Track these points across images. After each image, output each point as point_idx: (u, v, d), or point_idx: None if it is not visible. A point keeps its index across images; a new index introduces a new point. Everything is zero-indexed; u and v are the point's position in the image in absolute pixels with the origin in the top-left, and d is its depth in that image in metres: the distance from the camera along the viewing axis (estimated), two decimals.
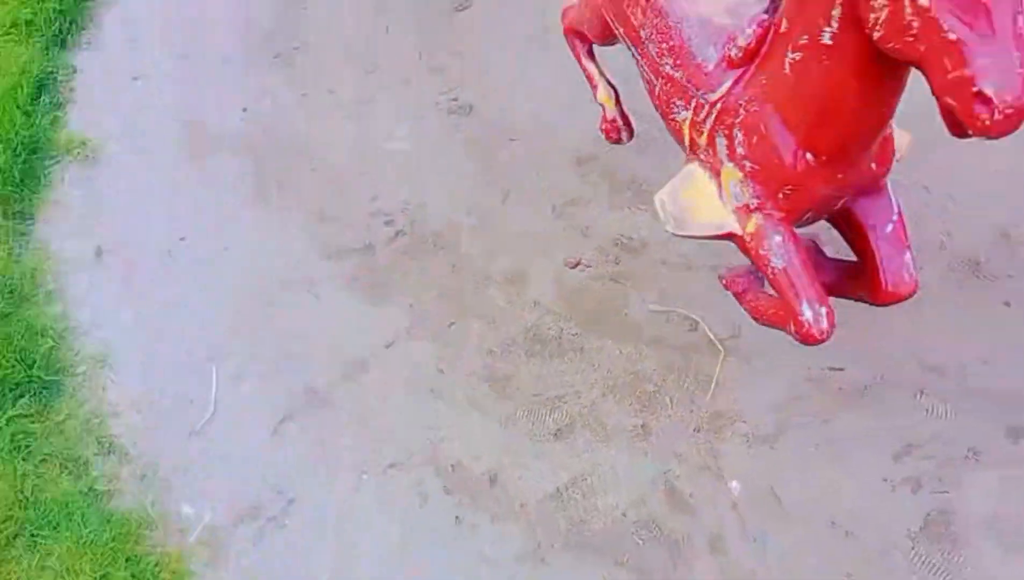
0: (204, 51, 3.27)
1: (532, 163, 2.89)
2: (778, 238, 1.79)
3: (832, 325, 1.80)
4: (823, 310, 1.79)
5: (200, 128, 3.08)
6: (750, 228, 1.80)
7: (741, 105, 1.77)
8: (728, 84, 1.81)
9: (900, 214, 1.90)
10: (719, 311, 2.53)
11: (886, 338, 2.43)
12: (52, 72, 3.17)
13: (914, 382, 2.37)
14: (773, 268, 1.80)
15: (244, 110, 3.09)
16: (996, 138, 1.35)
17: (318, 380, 2.58)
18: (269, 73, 3.19)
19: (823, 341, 1.81)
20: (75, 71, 3.24)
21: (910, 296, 1.88)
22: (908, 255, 1.87)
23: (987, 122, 1.33)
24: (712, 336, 2.51)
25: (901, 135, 1.90)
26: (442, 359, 2.56)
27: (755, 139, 1.75)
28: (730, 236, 1.87)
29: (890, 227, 1.87)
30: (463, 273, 2.73)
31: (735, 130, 1.78)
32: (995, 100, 1.30)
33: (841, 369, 2.40)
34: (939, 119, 1.44)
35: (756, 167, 1.77)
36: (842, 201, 1.84)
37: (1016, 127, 1.35)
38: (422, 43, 3.20)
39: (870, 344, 2.43)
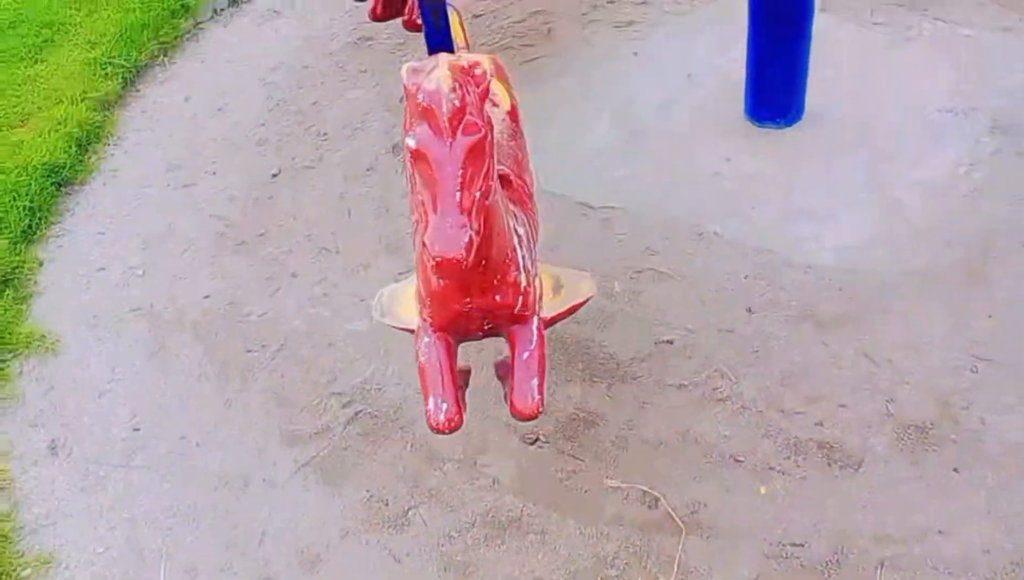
0: (170, 241, 3.39)
1: (492, 341, 2.96)
2: (426, 340, 2.19)
3: (450, 421, 2.12)
4: (444, 406, 2.13)
5: (162, 316, 3.14)
6: (416, 328, 2.22)
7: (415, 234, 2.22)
8: None
9: (539, 346, 2.21)
10: (678, 487, 2.54)
11: (844, 510, 2.45)
12: (18, 266, 3.25)
13: (874, 554, 2.36)
14: (418, 362, 2.19)
15: (206, 297, 3.17)
16: (443, 279, 1.96)
17: (274, 571, 2.51)
18: (233, 260, 3.30)
19: (442, 431, 2.13)
20: (41, 264, 3.33)
21: (532, 417, 2.19)
22: (536, 381, 2.17)
23: (431, 265, 1.83)
24: (673, 513, 2.50)
25: (578, 280, 2.37)
26: (399, 548, 2.51)
27: (416, 259, 2.21)
28: (412, 331, 2.26)
29: (526, 355, 2.19)
30: (421, 453, 2.73)
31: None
32: (430, 250, 1.78)
33: (801, 544, 2.39)
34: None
35: (419, 281, 2.19)
36: (489, 323, 2.18)
37: (452, 273, 1.83)
38: (381, 227, 3.34)
39: (828, 516, 2.44)
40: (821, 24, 3.85)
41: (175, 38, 4.43)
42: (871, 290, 2.84)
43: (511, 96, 2.58)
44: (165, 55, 4.35)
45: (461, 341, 2.28)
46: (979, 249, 2.87)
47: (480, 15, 4.54)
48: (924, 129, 3.30)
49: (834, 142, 3.32)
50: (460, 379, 2.27)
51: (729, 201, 3.18)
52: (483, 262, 1.98)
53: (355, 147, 3.63)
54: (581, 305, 2.39)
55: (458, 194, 1.79)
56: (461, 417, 2.15)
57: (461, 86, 1.82)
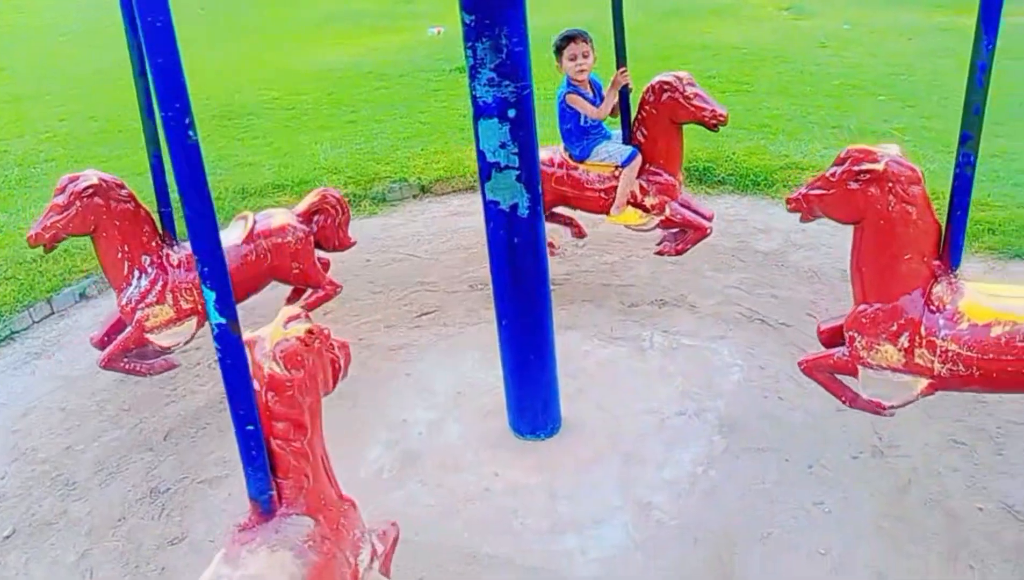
0: None
1: None
2: None
3: None
4: None
5: None
6: None
7: None
8: None
9: None
10: None
11: None
12: None
13: None
14: None
15: None
16: None
17: None
18: None
19: None
20: None
21: None
22: None
23: None
24: None
25: None
26: None
27: None
28: None
29: None
30: None
31: None
32: None
33: None
34: None
35: None
36: None
37: None
38: None
39: None
40: (570, 340, 4.35)
41: None
42: None
43: None
44: None
45: None
46: (725, 545, 3.10)
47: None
48: (664, 432, 3.67)
49: (589, 450, 3.59)
50: None
51: (499, 517, 3.27)
52: None
53: (106, 495, 3.41)
54: None
55: None
56: None
57: None
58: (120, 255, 3.63)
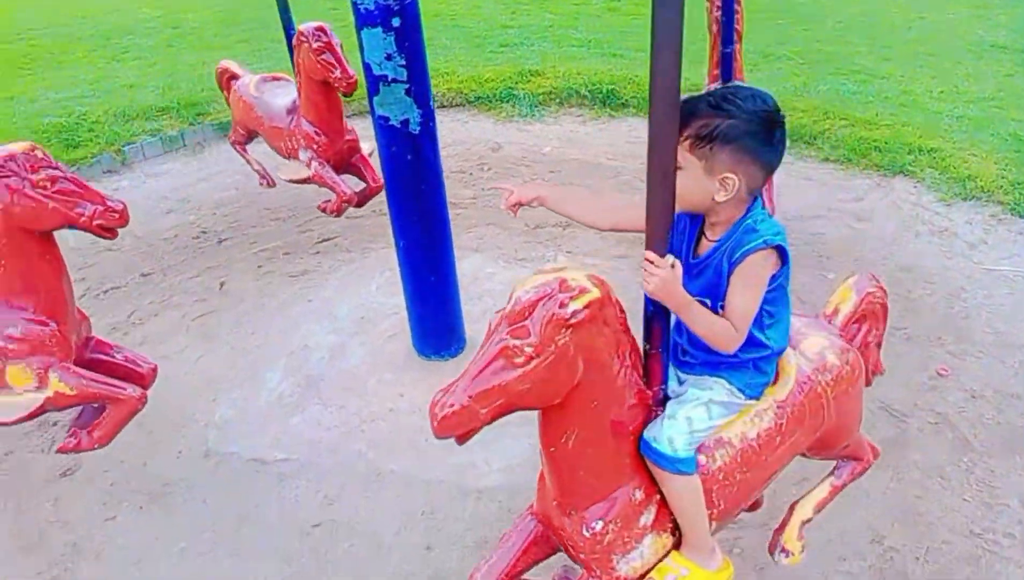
0: None
1: None
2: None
3: None
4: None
5: None
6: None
7: None
8: None
9: None
10: None
11: None
12: None
13: None
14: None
15: None
16: None
17: None
18: None
19: None
20: None
21: None
22: None
23: None
24: None
25: None
26: None
27: None
28: None
29: None
30: None
31: None
32: None
33: None
34: None
35: None
36: None
37: None
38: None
39: None
40: (476, 262, 4.33)
41: None
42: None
43: None
44: None
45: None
46: None
47: (148, 273, 4.48)
48: None
49: None
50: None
51: (404, 436, 3.27)
52: None
53: None
54: None
55: None
56: None
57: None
58: None
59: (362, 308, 4.07)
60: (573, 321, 1.65)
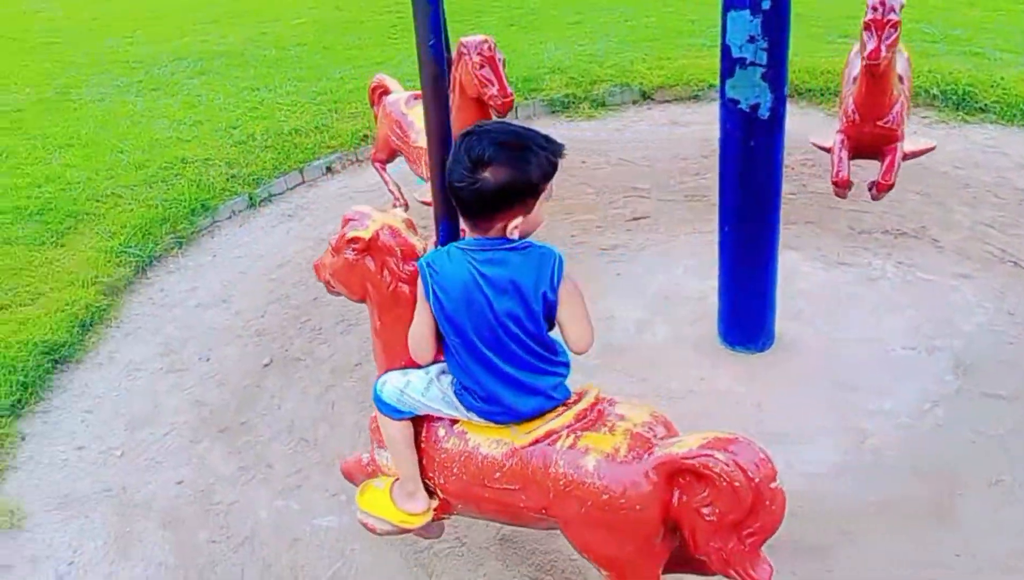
0: (153, 424, 3.45)
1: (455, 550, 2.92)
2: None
3: None
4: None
5: (132, 499, 3.13)
6: None
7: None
8: None
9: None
10: None
11: None
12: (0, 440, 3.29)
13: None
14: None
15: (179, 483, 3.18)
16: None
17: None
18: (212, 447, 3.33)
19: None
20: (23, 438, 3.36)
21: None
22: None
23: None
24: None
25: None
26: None
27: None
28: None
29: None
30: None
31: None
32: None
33: None
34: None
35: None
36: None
37: None
38: (363, 421, 3.40)
39: None
40: (791, 260, 4.16)
41: (191, 233, 4.77)
42: (838, 519, 2.85)
43: None
44: (179, 248, 4.66)
45: None
46: (946, 485, 2.91)
47: None
48: (888, 363, 3.46)
49: (802, 370, 3.46)
50: None
51: (702, 418, 3.26)
52: None
53: (346, 343, 3.79)
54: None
55: None
56: None
57: None
58: None
59: (668, 289, 4.10)
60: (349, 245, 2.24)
